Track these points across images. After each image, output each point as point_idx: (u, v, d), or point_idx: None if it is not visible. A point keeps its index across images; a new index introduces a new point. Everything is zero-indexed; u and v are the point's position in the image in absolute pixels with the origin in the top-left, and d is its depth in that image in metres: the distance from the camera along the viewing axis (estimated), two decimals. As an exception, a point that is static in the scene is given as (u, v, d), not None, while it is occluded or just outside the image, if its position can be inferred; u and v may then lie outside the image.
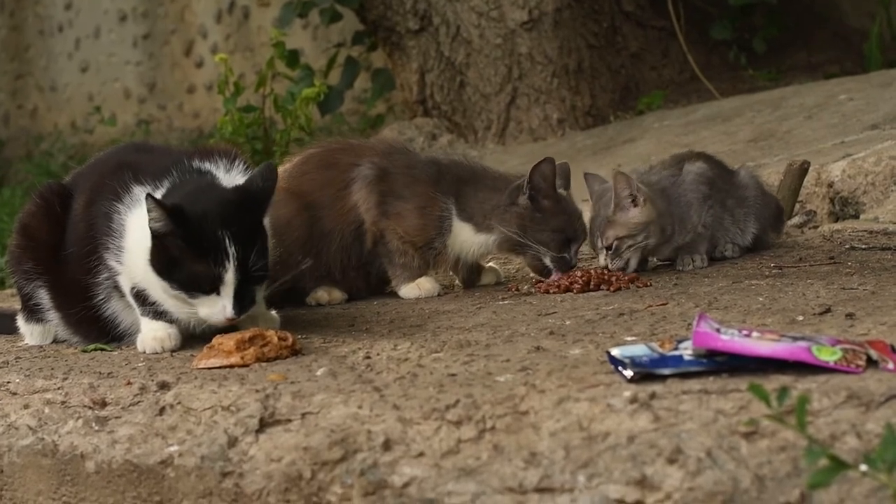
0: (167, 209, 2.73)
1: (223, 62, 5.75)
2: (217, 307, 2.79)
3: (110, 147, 3.47)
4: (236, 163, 3.02)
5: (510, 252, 3.46)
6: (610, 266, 3.35)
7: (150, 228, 2.76)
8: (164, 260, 2.78)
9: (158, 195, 2.84)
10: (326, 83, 6.25)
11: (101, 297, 3.02)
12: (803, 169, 4.00)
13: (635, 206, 3.37)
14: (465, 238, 3.41)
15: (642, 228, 3.37)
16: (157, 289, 2.85)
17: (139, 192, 2.89)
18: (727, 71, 6.75)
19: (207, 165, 2.99)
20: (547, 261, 3.37)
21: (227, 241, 2.74)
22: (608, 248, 3.37)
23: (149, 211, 2.73)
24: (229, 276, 2.75)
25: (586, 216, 3.45)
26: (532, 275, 3.47)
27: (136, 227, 2.87)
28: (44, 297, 3.16)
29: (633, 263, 3.38)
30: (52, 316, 3.18)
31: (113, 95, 9.26)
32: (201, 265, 2.74)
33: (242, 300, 2.79)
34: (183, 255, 2.76)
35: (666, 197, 3.43)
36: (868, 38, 6.52)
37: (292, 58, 6.44)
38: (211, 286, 2.77)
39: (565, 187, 3.44)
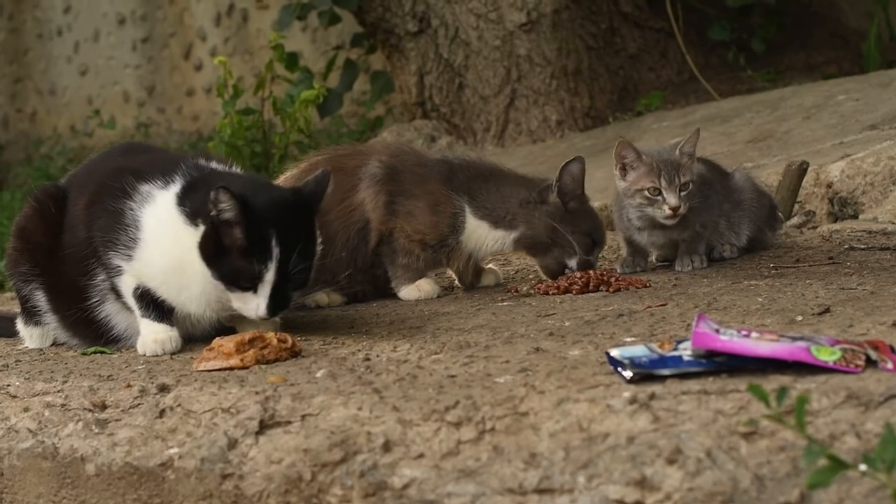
0: (238, 199, 2.74)
1: (222, 65, 5.75)
2: (251, 304, 2.81)
3: (106, 148, 3.48)
4: (233, 167, 3.07)
5: (527, 250, 3.44)
6: (682, 208, 3.35)
7: (214, 216, 2.77)
8: (214, 248, 2.80)
9: (173, 190, 2.88)
10: (325, 85, 6.26)
11: (95, 300, 3.03)
12: (802, 169, 4.01)
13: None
14: (482, 234, 3.39)
15: (698, 182, 3.42)
16: (177, 283, 2.86)
17: (148, 188, 2.92)
18: (726, 72, 6.75)
19: (214, 164, 3.02)
20: (572, 263, 3.36)
21: (273, 240, 2.76)
22: (684, 185, 3.37)
23: (218, 201, 2.74)
24: (269, 276, 2.78)
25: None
26: (543, 276, 3.45)
27: (154, 221, 2.89)
28: (41, 299, 3.17)
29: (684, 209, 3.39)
30: (50, 318, 3.19)
31: (112, 99, 9.26)
32: (245, 261, 2.77)
33: (277, 301, 2.80)
34: (233, 247, 2.78)
35: None
36: (866, 38, 6.53)
37: (291, 60, 6.44)
38: (250, 283, 2.79)
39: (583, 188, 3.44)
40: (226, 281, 2.81)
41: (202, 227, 2.81)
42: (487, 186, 3.41)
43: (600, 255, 3.68)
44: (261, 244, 2.76)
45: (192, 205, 2.84)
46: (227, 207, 2.74)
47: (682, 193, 3.37)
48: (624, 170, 3.44)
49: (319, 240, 2.93)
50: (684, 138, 3.45)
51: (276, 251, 2.76)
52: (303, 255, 2.80)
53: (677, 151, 3.41)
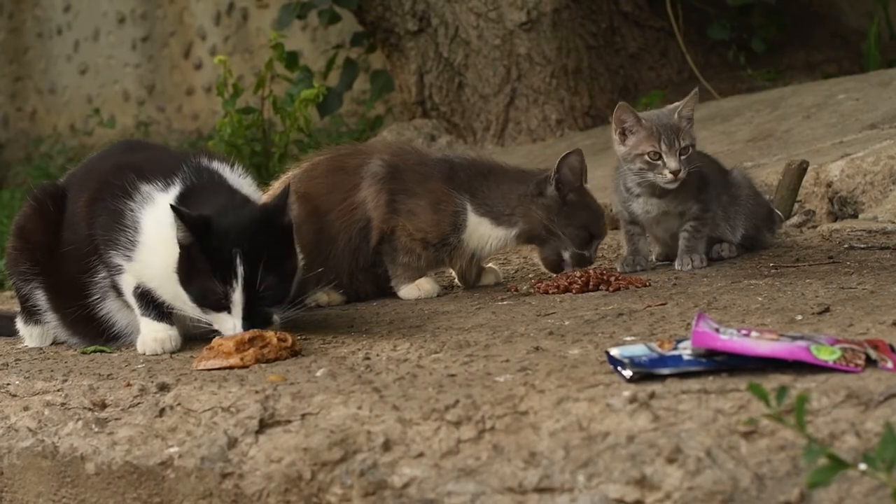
0: (190, 222, 2.72)
1: (222, 64, 5.75)
2: (228, 325, 2.79)
3: (105, 147, 3.48)
4: (235, 166, 3.06)
5: (529, 244, 3.46)
6: (682, 172, 3.36)
7: (177, 239, 2.76)
8: (186, 272, 2.78)
9: (172, 193, 2.86)
10: (325, 85, 6.26)
11: (96, 297, 3.03)
12: (802, 168, 4.01)
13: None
14: (483, 232, 3.40)
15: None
16: (172, 289, 2.86)
17: (149, 189, 2.91)
18: (726, 71, 6.75)
19: (215, 165, 3.01)
20: (566, 256, 3.37)
21: (237, 259, 2.73)
22: (684, 149, 3.38)
23: (174, 221, 2.73)
24: (237, 296, 2.75)
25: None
26: (544, 270, 3.46)
27: (153, 224, 2.88)
28: (41, 298, 3.17)
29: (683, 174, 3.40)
30: (50, 317, 3.19)
31: (112, 98, 9.25)
32: (211, 282, 2.74)
33: (254, 320, 2.77)
34: (198, 270, 2.75)
35: None
36: (866, 37, 6.52)
37: (291, 59, 6.44)
38: (220, 304, 2.76)
39: (583, 181, 3.44)
40: (199, 304, 2.79)
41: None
42: (488, 184, 3.42)
43: (602, 256, 3.67)
44: (223, 264, 2.73)
45: None
46: (179, 228, 2.73)
47: (682, 157, 3.38)
48: (623, 134, 3.45)
49: (301, 256, 2.90)
50: (682, 102, 3.45)
51: (240, 270, 2.72)
52: (272, 271, 2.76)
53: (676, 115, 3.42)
